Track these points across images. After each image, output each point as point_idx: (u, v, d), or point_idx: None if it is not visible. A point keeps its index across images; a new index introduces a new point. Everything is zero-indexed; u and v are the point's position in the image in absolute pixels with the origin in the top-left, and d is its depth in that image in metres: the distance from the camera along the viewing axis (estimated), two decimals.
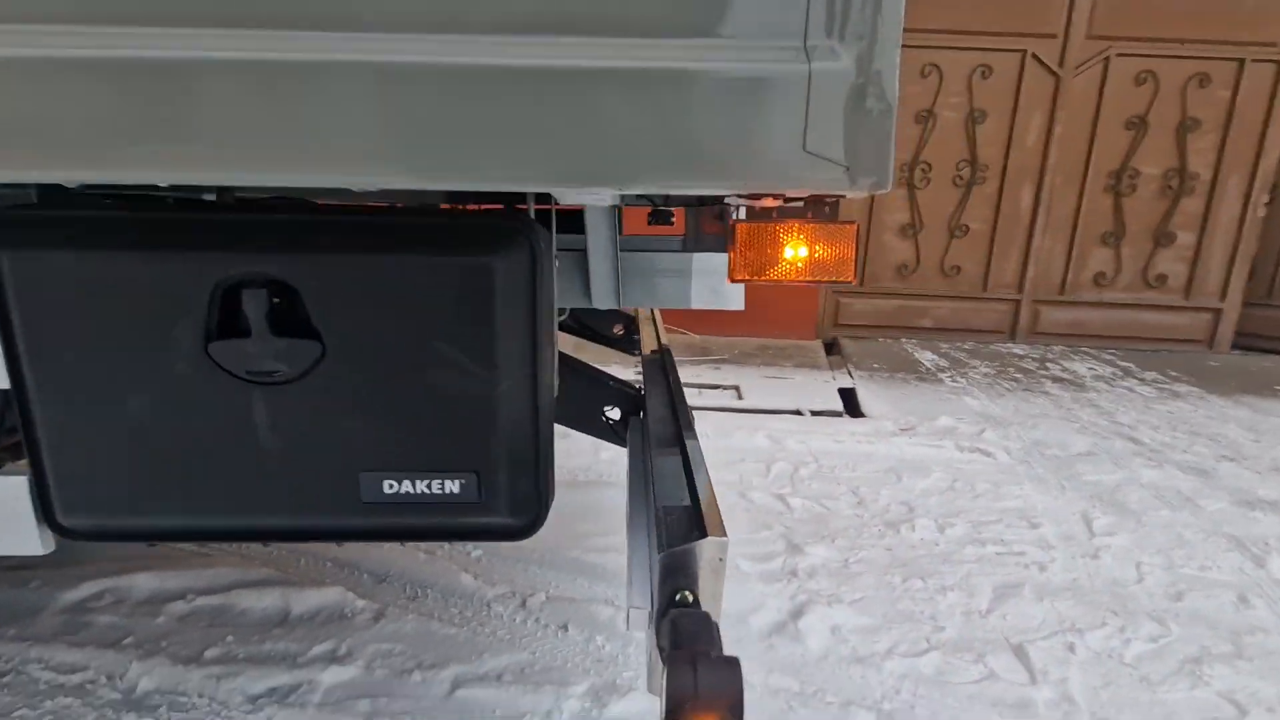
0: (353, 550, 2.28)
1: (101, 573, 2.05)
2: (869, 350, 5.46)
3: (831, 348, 5.64)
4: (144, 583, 2.03)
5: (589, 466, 3.04)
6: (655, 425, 1.16)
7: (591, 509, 2.62)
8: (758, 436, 3.48)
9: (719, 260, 1.35)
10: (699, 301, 1.34)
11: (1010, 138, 5.47)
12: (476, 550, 2.33)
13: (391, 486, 0.80)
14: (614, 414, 1.43)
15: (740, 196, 0.69)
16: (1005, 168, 5.53)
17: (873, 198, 5.61)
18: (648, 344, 1.80)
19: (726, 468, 3.08)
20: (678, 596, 0.69)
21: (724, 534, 0.73)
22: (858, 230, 0.75)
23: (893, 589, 2.18)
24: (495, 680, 1.71)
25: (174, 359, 0.73)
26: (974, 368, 5.05)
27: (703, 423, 3.64)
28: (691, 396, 4.22)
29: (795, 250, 0.77)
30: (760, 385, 4.48)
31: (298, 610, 1.96)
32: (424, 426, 0.79)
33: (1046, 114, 5.40)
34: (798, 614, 2.01)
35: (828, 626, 1.97)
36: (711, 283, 1.32)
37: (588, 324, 2.28)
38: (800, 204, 0.74)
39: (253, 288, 0.72)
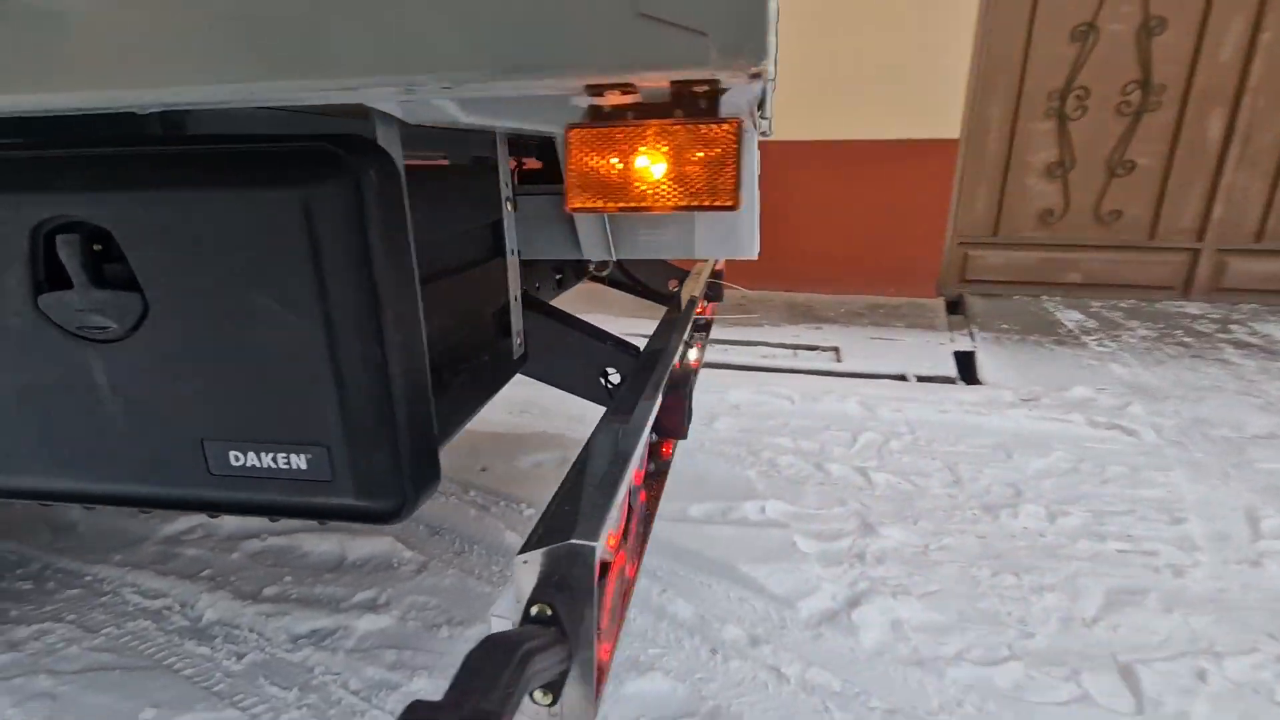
0: None
1: None
2: (1000, 309, 4.84)
3: (955, 306, 5.07)
4: (230, 520, 2.21)
5: None
6: (624, 392, 1.02)
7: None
8: (849, 402, 3.19)
9: None
10: (705, 250, 1.15)
11: (1197, 51, 4.50)
12: (529, 509, 2.32)
13: (238, 459, 0.73)
14: (615, 377, 1.29)
15: (585, 91, 0.51)
16: (1188, 89, 4.58)
17: (1012, 133, 4.89)
18: (684, 299, 1.65)
19: (806, 436, 2.85)
20: (534, 611, 0.56)
21: (596, 538, 0.59)
22: (739, 128, 0.54)
23: (976, 584, 1.90)
24: None
25: (8, 311, 0.70)
26: (1129, 330, 4.32)
27: (788, 386, 3.39)
28: (784, 359, 3.96)
29: (649, 165, 0.57)
30: (863, 347, 4.12)
31: (351, 556, 2.04)
32: (262, 393, 0.71)
33: (1250, 17, 4.38)
34: (855, 602, 1.81)
35: (888, 620, 1.75)
36: (719, 227, 1.13)
37: (640, 279, 2.14)
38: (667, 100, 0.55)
39: (66, 233, 0.67)
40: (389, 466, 0.73)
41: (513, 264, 1.07)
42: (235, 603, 1.83)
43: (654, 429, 1.14)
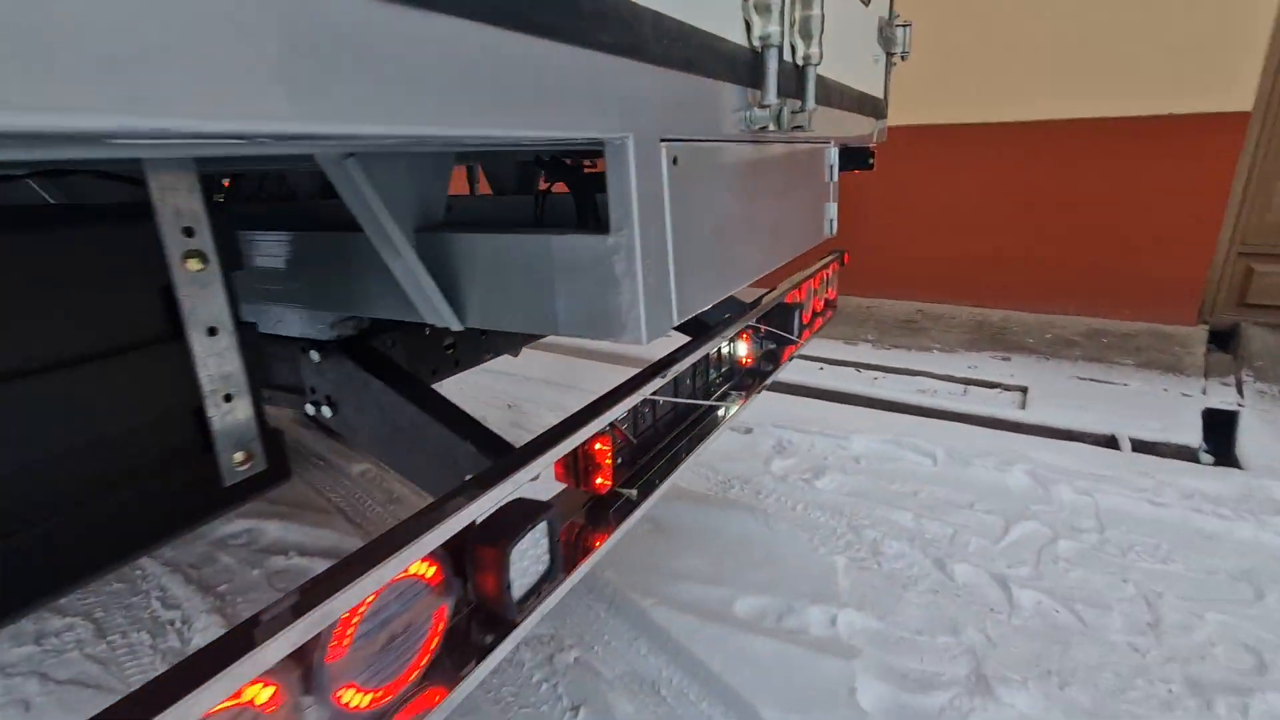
0: None
1: (257, 513, 2.30)
2: None
3: (1224, 340, 3.74)
4: (272, 531, 2.21)
5: (749, 479, 2.44)
6: (397, 528, 0.65)
7: (713, 539, 2.06)
8: (1014, 471, 2.40)
9: (595, 246, 0.70)
10: (570, 326, 0.72)
11: None
12: None
13: None
14: None
15: None
16: None
17: None
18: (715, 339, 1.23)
19: (937, 514, 2.16)
20: None
21: None
22: None
23: None
24: None
25: None
26: None
27: (936, 437, 2.65)
28: (947, 397, 3.17)
29: None
30: (1063, 391, 3.15)
31: None
32: None
33: None
34: None
35: None
36: (584, 293, 0.69)
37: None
38: None
39: None
40: None
41: (216, 345, 0.74)
42: (224, 629, 1.77)
43: (474, 589, 0.75)
